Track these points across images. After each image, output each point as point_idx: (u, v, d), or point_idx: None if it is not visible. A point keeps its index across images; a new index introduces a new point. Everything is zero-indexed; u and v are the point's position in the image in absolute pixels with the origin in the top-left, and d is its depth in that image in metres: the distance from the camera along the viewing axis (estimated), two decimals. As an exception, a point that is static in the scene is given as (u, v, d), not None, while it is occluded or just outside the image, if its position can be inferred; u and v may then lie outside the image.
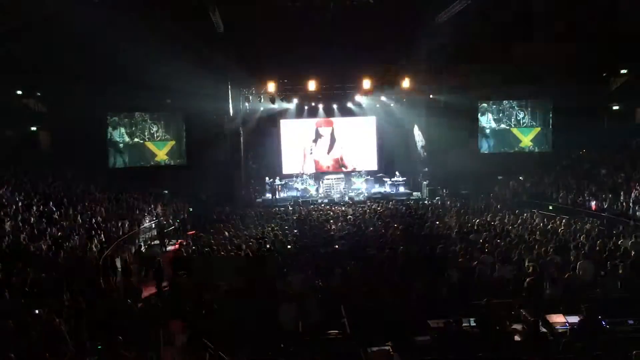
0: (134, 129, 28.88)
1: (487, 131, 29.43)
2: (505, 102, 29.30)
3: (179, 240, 19.47)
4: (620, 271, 11.05)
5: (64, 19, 18.54)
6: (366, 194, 27.57)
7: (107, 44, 20.29)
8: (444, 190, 26.54)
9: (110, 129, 28.52)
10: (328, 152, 30.31)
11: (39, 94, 26.72)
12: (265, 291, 11.12)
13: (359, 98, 28.62)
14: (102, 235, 17.12)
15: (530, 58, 24.69)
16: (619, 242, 13.50)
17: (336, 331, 9.55)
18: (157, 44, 20.83)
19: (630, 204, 17.95)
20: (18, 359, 6.96)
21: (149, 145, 29.04)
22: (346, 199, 26.76)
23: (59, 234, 15.92)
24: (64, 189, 21.63)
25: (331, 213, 21.37)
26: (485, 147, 29.43)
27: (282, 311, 9.90)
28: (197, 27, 22.39)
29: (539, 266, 11.48)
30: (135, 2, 20.39)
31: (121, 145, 28.69)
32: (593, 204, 19.98)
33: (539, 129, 29.15)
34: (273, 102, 26.85)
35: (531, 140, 29.29)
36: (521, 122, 29.30)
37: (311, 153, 30.09)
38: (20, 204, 17.74)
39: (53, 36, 20.13)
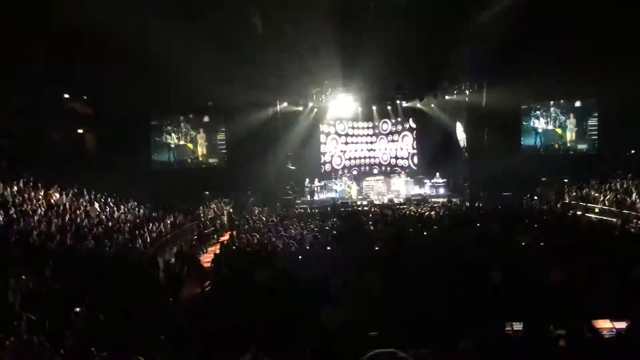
0: (176, 129, 29.43)
1: (531, 131, 28.85)
2: (550, 102, 28.67)
3: (220, 240, 19.71)
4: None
5: (111, 23, 18.96)
6: (405, 196, 27.35)
7: (152, 46, 20.63)
8: (485, 194, 26.08)
9: (153, 131, 29.16)
10: (368, 153, 30.24)
11: (85, 97, 27.45)
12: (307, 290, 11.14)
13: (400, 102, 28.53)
14: (146, 235, 17.47)
15: (574, 58, 24.03)
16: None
17: (374, 332, 9.49)
18: (199, 45, 21.11)
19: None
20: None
21: (191, 146, 29.54)
22: (385, 200, 26.60)
23: (104, 233, 16.32)
24: (109, 190, 22.18)
25: (370, 215, 21.26)
26: (529, 145, 28.87)
27: (323, 312, 9.89)
28: (241, 27, 22.64)
29: (587, 270, 11.17)
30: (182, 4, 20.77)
31: (169, 144, 29.34)
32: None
33: (584, 129, 28.39)
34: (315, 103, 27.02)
35: (576, 141, 28.56)
36: (566, 122, 28.59)
37: (345, 154, 30.10)
38: (67, 204, 18.25)
39: (100, 40, 20.61)
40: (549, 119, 28.70)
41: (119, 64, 22.22)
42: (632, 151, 25.76)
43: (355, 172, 29.78)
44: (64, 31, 19.32)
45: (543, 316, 8.98)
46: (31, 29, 18.91)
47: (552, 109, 28.68)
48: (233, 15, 22.22)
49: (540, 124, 28.84)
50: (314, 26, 21.88)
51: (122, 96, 24.60)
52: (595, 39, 21.86)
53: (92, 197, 20.17)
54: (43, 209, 16.74)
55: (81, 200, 19.41)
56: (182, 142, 29.46)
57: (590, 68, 23.94)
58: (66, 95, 26.06)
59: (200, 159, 29.66)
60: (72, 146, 26.81)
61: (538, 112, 28.87)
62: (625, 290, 10.52)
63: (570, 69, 24.00)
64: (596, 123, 27.90)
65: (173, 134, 29.35)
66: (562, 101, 28.47)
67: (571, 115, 28.44)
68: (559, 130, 28.61)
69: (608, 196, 21.34)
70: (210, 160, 29.75)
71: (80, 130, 27.99)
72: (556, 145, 28.67)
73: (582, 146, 28.37)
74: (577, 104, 28.37)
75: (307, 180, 28.17)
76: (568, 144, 28.54)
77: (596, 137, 27.98)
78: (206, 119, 29.63)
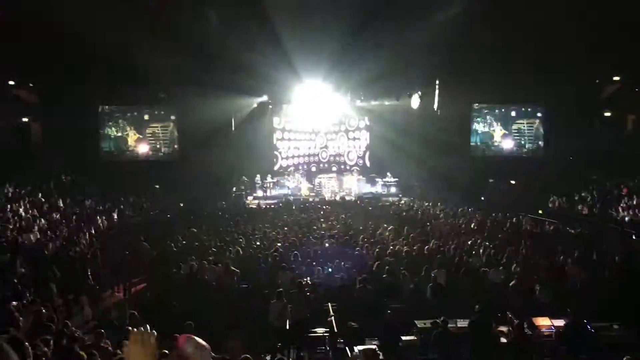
0: (125, 121, 28.79)
1: (479, 134, 29.57)
2: (497, 105, 29.46)
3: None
4: (607, 276, 11.14)
5: (59, 9, 18.38)
6: (357, 194, 27.55)
7: (102, 35, 20.10)
8: (434, 192, 26.54)
9: (102, 120, 28.45)
10: (320, 151, 30.31)
11: (31, 84, 26.48)
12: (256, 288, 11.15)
13: (352, 99, 28.65)
14: (92, 228, 17.06)
15: (524, 62, 24.75)
16: (605, 247, 13.61)
17: (323, 329, 9.58)
18: (153, 37, 20.69)
19: (620, 210, 18.08)
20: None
21: (138, 137, 28.95)
22: (337, 198, 26.75)
23: (47, 226, 15.86)
24: (54, 181, 21.56)
25: (322, 212, 21.38)
26: (476, 149, 29.58)
27: (271, 308, 9.92)
28: (194, 21, 22.29)
29: (528, 270, 11.56)
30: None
31: (112, 136, 28.68)
32: (583, 209, 20.12)
33: (530, 133, 29.30)
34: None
35: (522, 144, 29.46)
36: (513, 126, 29.45)
37: (299, 151, 30.12)
38: (10, 195, 17.65)
39: (47, 26, 19.95)
40: (494, 120, 29.53)
41: (68, 50, 21.57)
42: (574, 156, 26.68)
43: (307, 169, 29.74)
44: (11, 16, 18.63)
45: (486, 314, 9.26)
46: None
47: (499, 110, 29.49)
48: (187, 7, 21.87)
49: (484, 125, 29.61)
50: (270, 20, 21.77)
51: (71, 84, 23.88)
52: (544, 46, 22.63)
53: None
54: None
55: (22, 192, 18.79)
56: (121, 134, 28.79)
57: (539, 73, 24.83)
58: (11, 82, 25.09)
59: (147, 151, 29.05)
60: (15, 135, 25.85)
61: (486, 111, 29.60)
62: (564, 290, 10.96)
63: (520, 73, 24.83)
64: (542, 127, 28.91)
65: (114, 127, 28.67)
66: (509, 104, 29.29)
67: (517, 118, 29.34)
68: (505, 133, 29.42)
69: (552, 199, 22.10)
70: (161, 154, 29.19)
71: (25, 119, 27.01)
72: (501, 150, 29.50)
73: (528, 149, 29.28)
74: (524, 107, 29.27)
75: (258, 176, 27.97)
76: (514, 148, 29.40)
77: (543, 140, 28.97)
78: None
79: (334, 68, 25.08)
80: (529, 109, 29.31)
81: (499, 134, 29.52)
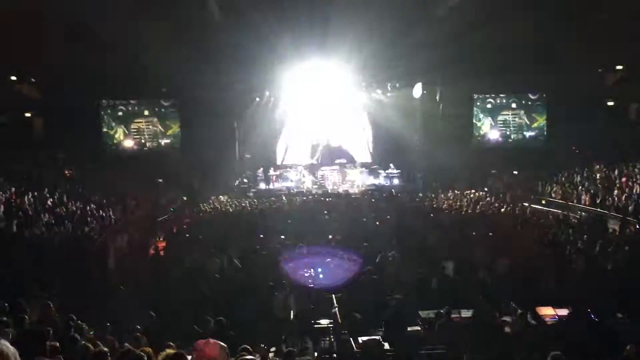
0: (128, 115, 28.88)
1: (482, 124, 29.58)
2: (500, 94, 29.45)
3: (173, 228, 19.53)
4: (610, 266, 11.16)
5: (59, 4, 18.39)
6: (360, 186, 27.56)
7: (102, 30, 20.08)
8: (437, 183, 26.54)
9: (103, 114, 28.54)
10: (323, 144, 30.29)
11: (32, 79, 26.51)
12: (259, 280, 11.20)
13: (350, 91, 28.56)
14: (96, 222, 17.11)
15: (527, 52, 24.68)
16: (610, 236, 13.62)
17: (327, 320, 9.62)
18: (152, 29, 20.64)
19: (623, 200, 18.06)
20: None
21: (143, 131, 29.04)
22: (340, 190, 26.78)
23: (53, 220, 15.92)
24: (56, 175, 21.64)
25: (325, 205, 21.40)
26: (479, 139, 29.62)
27: (275, 300, 9.98)
28: (196, 14, 22.23)
29: (532, 259, 11.59)
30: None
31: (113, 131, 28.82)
32: (586, 198, 20.10)
33: (534, 122, 29.30)
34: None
35: (525, 133, 29.48)
36: (515, 115, 29.45)
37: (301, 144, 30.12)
38: (13, 190, 17.69)
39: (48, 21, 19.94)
40: (497, 109, 29.56)
41: (69, 44, 21.54)
42: (577, 145, 26.64)
43: (310, 162, 29.72)
44: (11, 11, 18.58)
45: (490, 304, 9.30)
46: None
47: (501, 99, 29.51)
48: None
49: (487, 114, 29.63)
50: (271, 11, 21.72)
51: (72, 79, 23.89)
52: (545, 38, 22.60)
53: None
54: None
55: (28, 185, 18.86)
56: (132, 127, 28.89)
57: (540, 62, 24.77)
58: (13, 78, 25.11)
59: (151, 145, 29.14)
60: (19, 130, 25.92)
61: (488, 100, 29.62)
62: (567, 279, 10.98)
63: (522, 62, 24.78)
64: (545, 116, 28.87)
65: (123, 117, 28.80)
66: (511, 93, 29.29)
67: (520, 107, 29.38)
68: (508, 122, 29.44)
69: (555, 189, 22.10)
70: (164, 146, 29.25)
71: (27, 114, 27.06)
72: (506, 139, 29.53)
73: (531, 138, 29.31)
74: (527, 97, 29.27)
75: (262, 169, 27.98)
76: (517, 137, 29.42)
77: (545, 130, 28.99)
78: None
79: (335, 55, 25.03)
80: (529, 102, 29.32)
81: (487, 125, 29.61)
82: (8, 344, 2.27)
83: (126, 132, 28.87)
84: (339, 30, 22.37)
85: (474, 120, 29.58)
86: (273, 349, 8.78)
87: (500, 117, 29.53)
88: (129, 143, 28.96)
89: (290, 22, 22.34)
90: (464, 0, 20.77)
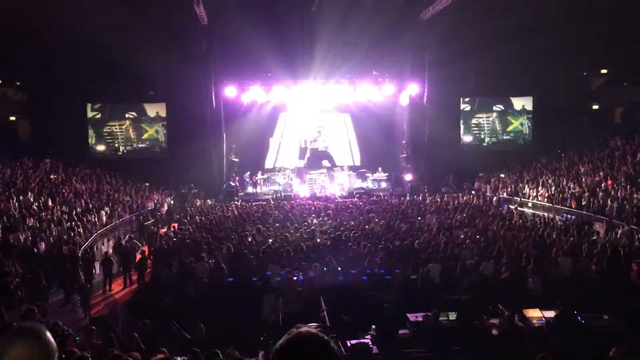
0: (113, 118, 28.77)
1: (469, 127, 29.85)
2: (487, 98, 29.71)
3: (161, 231, 19.43)
4: (596, 268, 11.24)
5: (45, 6, 18.28)
6: (348, 190, 27.53)
7: (90, 33, 19.97)
8: (425, 187, 26.59)
9: (89, 118, 28.38)
10: (311, 147, 30.30)
11: (18, 83, 26.30)
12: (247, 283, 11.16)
13: (337, 94, 28.53)
14: (81, 226, 16.94)
15: (513, 56, 24.90)
16: (595, 239, 13.73)
17: (316, 324, 9.58)
18: (141, 34, 20.59)
19: (608, 202, 18.21)
20: None
21: (130, 134, 28.93)
22: (328, 193, 26.74)
23: (37, 225, 15.76)
24: (42, 179, 21.42)
25: (313, 208, 21.38)
26: (467, 141, 29.90)
27: (264, 303, 9.95)
28: (182, 18, 22.20)
29: (518, 262, 11.64)
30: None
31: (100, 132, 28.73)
32: (571, 201, 20.25)
33: (519, 125, 29.60)
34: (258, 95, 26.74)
35: (511, 136, 29.77)
36: (502, 118, 29.76)
37: (290, 147, 30.08)
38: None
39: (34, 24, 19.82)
40: (483, 113, 29.92)
41: (55, 49, 21.45)
42: (562, 148, 26.88)
43: (298, 165, 29.68)
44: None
45: (473, 304, 9.34)
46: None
47: (488, 102, 29.82)
48: (177, 4, 21.76)
49: (474, 118, 29.98)
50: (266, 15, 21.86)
51: (58, 82, 23.74)
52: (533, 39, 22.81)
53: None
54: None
55: (13, 190, 18.67)
56: (118, 130, 28.77)
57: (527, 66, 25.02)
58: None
59: (138, 147, 29.03)
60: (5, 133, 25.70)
61: (475, 103, 29.96)
62: (554, 281, 11.05)
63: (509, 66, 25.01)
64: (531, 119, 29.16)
65: (107, 121, 28.70)
66: (498, 97, 29.59)
67: (507, 110, 29.71)
68: (495, 126, 29.72)
69: (541, 191, 22.25)
70: (149, 149, 29.14)
71: (12, 118, 26.84)
72: (492, 142, 29.85)
73: (517, 141, 29.59)
74: (513, 100, 29.55)
75: (249, 172, 27.90)
76: (503, 140, 29.71)
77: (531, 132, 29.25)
78: (146, 108, 28.98)
79: (324, 60, 25.10)
80: (518, 102, 29.62)
81: (487, 125, 29.95)
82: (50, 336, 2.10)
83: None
84: (325, 40, 22.67)
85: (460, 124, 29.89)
86: (261, 352, 8.74)
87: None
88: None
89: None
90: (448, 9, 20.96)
